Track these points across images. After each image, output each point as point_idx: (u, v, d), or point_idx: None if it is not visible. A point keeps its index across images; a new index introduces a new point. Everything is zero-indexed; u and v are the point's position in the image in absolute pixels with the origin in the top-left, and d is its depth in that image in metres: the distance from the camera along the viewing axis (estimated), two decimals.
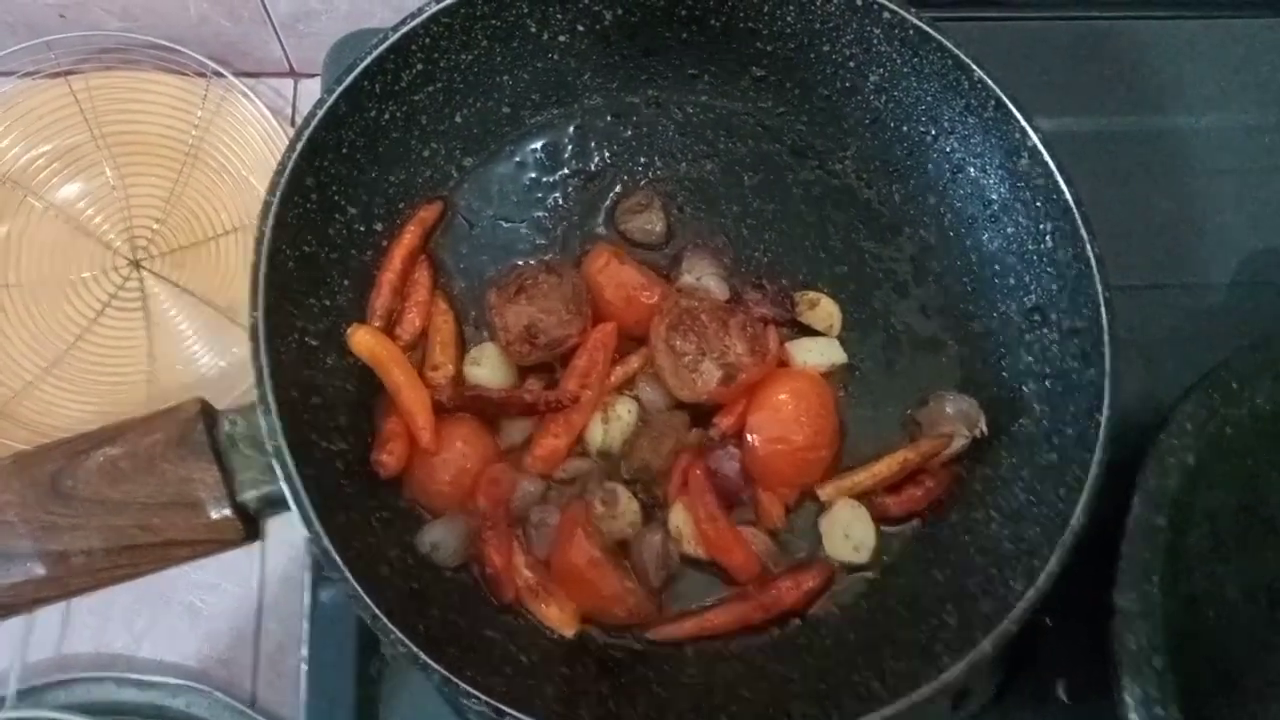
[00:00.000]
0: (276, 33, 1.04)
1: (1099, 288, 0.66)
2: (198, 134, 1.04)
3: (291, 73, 1.10)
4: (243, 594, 0.96)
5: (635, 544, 0.67)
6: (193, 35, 1.03)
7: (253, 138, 1.04)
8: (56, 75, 1.03)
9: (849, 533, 0.69)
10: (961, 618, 0.63)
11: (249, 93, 1.03)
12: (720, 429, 0.70)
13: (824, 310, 0.74)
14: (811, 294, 0.74)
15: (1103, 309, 0.65)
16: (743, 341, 0.69)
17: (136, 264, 1.03)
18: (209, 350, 0.99)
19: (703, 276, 0.73)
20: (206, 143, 1.05)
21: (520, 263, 0.74)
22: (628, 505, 0.68)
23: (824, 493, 0.70)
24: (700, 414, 0.71)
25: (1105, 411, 0.63)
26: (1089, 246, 0.66)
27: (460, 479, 0.67)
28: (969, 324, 0.74)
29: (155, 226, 1.04)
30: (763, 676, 0.65)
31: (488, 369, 0.70)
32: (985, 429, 0.70)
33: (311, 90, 1.09)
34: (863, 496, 0.70)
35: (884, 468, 0.69)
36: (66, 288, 1.01)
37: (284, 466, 0.58)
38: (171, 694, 0.91)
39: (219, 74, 1.03)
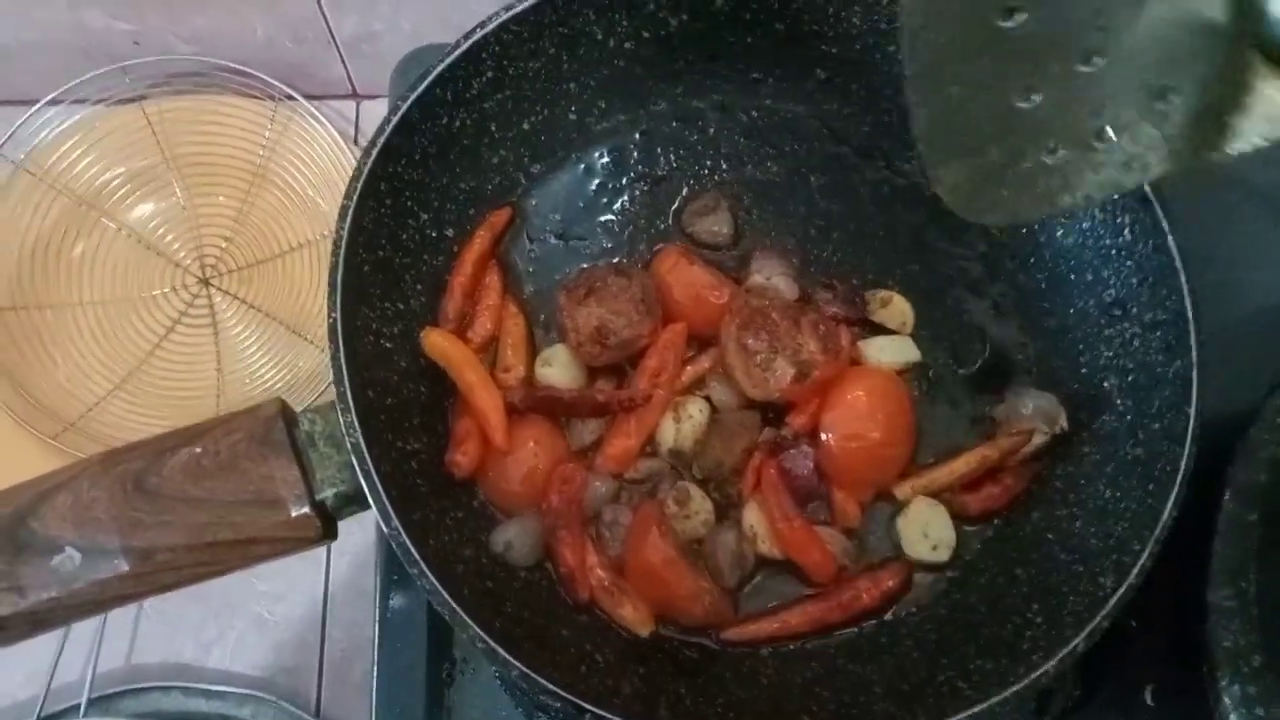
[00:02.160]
0: (340, 54, 1.07)
1: (1182, 279, 0.64)
2: (265, 154, 1.07)
3: (354, 94, 1.13)
4: (308, 604, 0.97)
5: (709, 543, 0.67)
6: (260, 59, 1.05)
7: (318, 157, 1.06)
8: (130, 100, 1.06)
9: (928, 531, 0.68)
10: (1049, 615, 0.61)
11: (314, 113, 1.05)
12: (793, 428, 0.69)
13: (896, 308, 0.73)
14: (884, 292, 0.73)
15: (1187, 300, 0.64)
16: (815, 339, 0.69)
17: (206, 282, 1.05)
18: (276, 364, 1.01)
19: (772, 276, 0.73)
20: (273, 163, 1.07)
21: (588, 266, 0.74)
22: (701, 504, 0.67)
23: (901, 491, 0.68)
24: (772, 414, 0.70)
25: (1194, 403, 0.61)
26: (1170, 238, 0.65)
27: (532, 479, 0.67)
28: (1045, 321, 0.73)
29: (224, 245, 1.06)
30: (842, 677, 0.64)
31: (559, 370, 0.70)
32: (1066, 425, 0.69)
33: (373, 111, 1.12)
34: (940, 495, 0.69)
35: (962, 465, 0.68)
36: (138, 305, 1.04)
37: (362, 461, 0.58)
38: (238, 703, 0.91)
39: (287, 97, 1.05)
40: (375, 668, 0.72)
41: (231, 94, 1.07)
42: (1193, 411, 0.61)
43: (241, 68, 1.05)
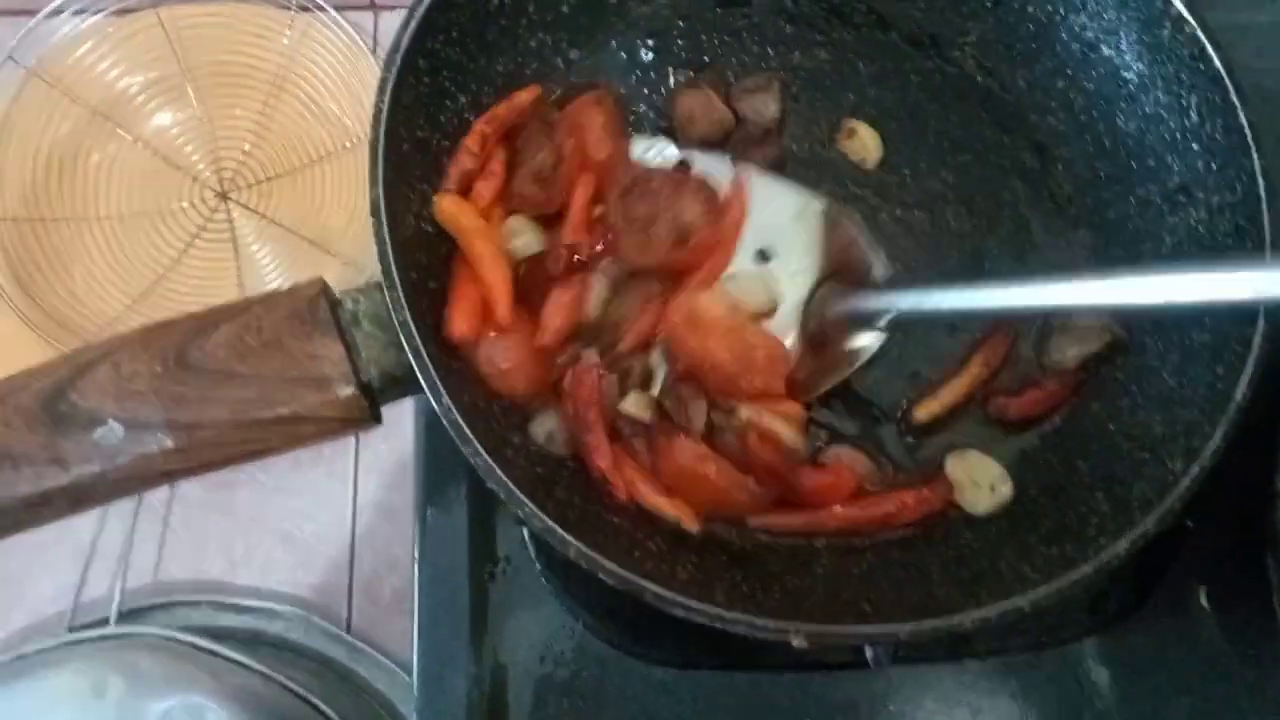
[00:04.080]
0: None
1: (1254, 156, 0.62)
2: (283, 64, 1.04)
3: (372, 5, 1.09)
4: (337, 522, 0.95)
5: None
6: None
7: (338, 67, 1.03)
8: (144, 8, 1.03)
9: (977, 479, 0.65)
10: (1115, 503, 0.60)
11: (338, 20, 1.02)
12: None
13: (861, 141, 0.71)
14: (852, 122, 0.72)
15: (1259, 177, 0.61)
16: (698, 204, 0.67)
17: (224, 195, 1.02)
18: (298, 279, 0.98)
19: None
20: (292, 73, 1.04)
21: None
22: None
23: (919, 415, 0.66)
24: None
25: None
26: (1241, 114, 0.62)
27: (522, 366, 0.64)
28: (1104, 211, 0.71)
29: (242, 157, 1.03)
30: (899, 568, 0.62)
31: (529, 237, 0.67)
32: (1118, 333, 0.66)
33: (392, 23, 1.07)
34: (970, 406, 0.67)
35: (962, 386, 0.66)
36: (155, 219, 1.01)
37: (409, 339, 0.56)
38: (268, 618, 0.91)
39: (305, 8, 1.02)
40: (416, 567, 0.70)
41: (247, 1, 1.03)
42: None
43: None
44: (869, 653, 0.66)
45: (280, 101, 1.04)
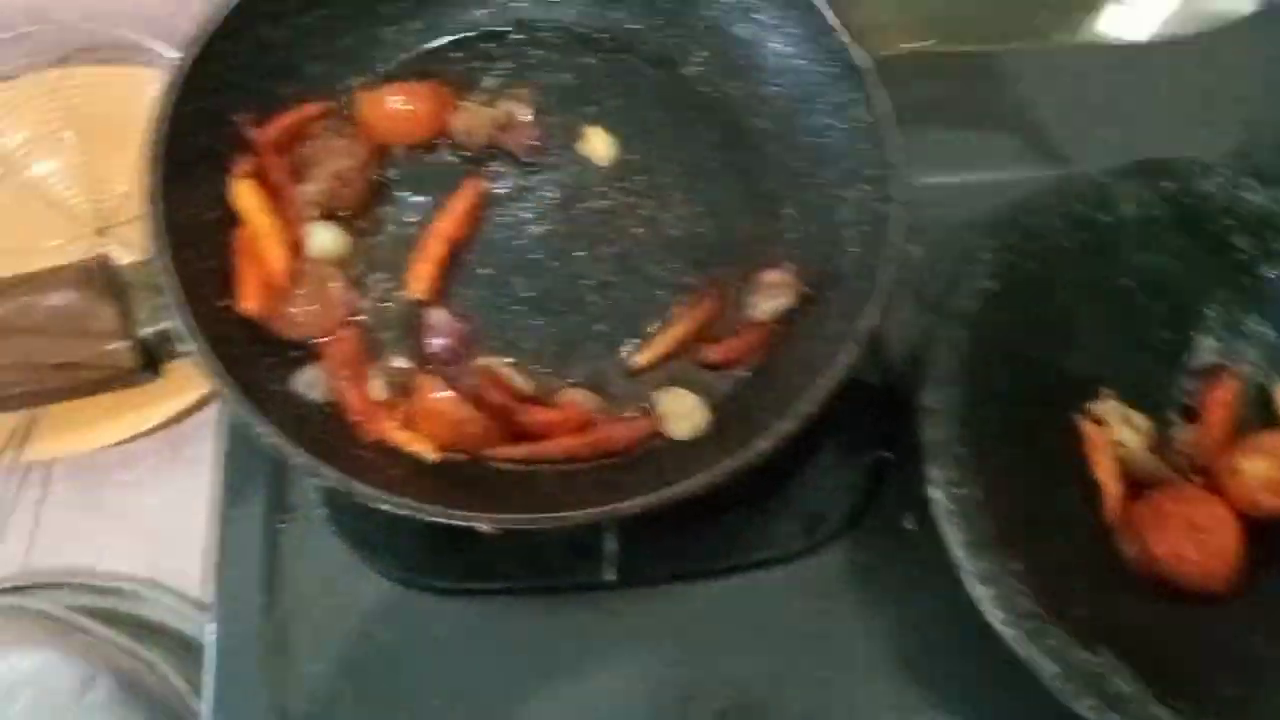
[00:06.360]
0: None
1: (887, 135, 0.76)
2: None
3: None
4: (193, 511, 1.04)
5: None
6: (152, 30, 1.16)
7: None
8: (29, 71, 1.17)
9: (678, 409, 0.75)
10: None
11: None
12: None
13: (592, 144, 0.84)
14: (585, 128, 0.84)
15: (888, 150, 0.75)
16: None
17: (101, 231, 1.14)
18: None
19: None
20: None
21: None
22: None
23: (637, 361, 0.78)
24: None
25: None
26: (879, 104, 0.76)
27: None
28: (801, 193, 0.83)
29: (119, 197, 1.15)
30: (614, 487, 0.71)
31: (328, 236, 0.80)
32: (808, 289, 0.79)
33: None
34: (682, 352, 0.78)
35: (673, 337, 0.78)
36: (35, 256, 1.12)
37: (175, 293, 0.67)
38: (125, 598, 0.99)
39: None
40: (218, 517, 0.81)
41: (123, 64, 1.17)
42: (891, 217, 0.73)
43: (133, 37, 1.16)
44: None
45: None
